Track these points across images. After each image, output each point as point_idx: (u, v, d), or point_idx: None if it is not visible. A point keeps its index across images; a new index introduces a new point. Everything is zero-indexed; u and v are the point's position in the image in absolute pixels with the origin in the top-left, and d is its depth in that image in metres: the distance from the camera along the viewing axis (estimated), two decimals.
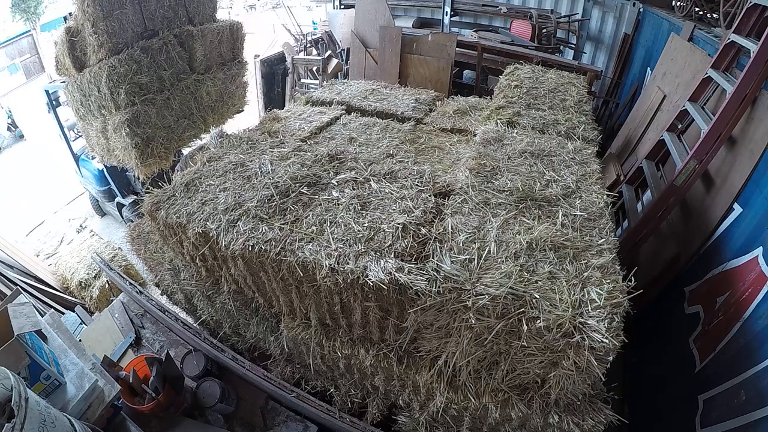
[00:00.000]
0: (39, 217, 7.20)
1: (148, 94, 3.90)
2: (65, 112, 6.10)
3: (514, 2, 7.63)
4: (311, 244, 1.99)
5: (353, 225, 2.06)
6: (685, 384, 2.52)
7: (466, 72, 6.96)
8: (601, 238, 1.94)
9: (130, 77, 3.68)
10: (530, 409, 1.87)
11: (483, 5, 7.65)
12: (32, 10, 16.15)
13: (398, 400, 2.39)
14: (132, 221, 5.04)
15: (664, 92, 4.35)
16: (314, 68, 7.35)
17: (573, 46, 7.17)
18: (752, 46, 2.70)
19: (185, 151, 4.98)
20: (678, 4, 5.22)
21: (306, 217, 2.16)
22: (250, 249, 2.04)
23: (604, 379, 1.66)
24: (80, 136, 6.47)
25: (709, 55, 3.70)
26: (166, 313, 2.86)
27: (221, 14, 4.99)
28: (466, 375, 1.93)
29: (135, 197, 5.95)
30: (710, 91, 3.38)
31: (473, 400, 1.95)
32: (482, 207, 2.13)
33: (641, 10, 6.09)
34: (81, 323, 3.85)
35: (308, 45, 8.25)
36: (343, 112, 3.96)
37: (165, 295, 3.53)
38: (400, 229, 2.01)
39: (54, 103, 5.88)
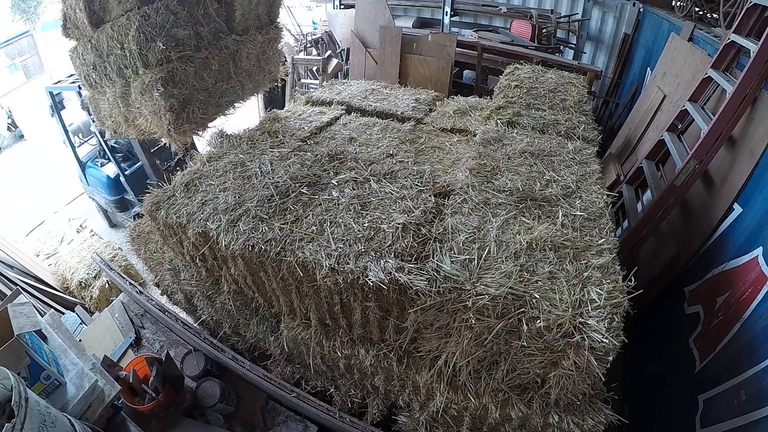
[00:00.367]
0: (39, 217, 7.17)
1: (186, 51, 3.41)
2: (69, 115, 5.91)
3: (514, 2, 7.63)
4: (311, 244, 1.99)
5: (353, 225, 2.06)
6: (685, 384, 2.52)
7: (466, 72, 6.96)
8: (601, 238, 1.94)
9: (167, 29, 3.20)
10: (530, 409, 1.87)
11: (483, 5, 7.66)
12: (32, 10, 16.12)
13: (398, 400, 2.39)
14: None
15: (664, 92, 4.34)
16: (314, 68, 7.35)
17: (573, 46, 7.17)
18: (752, 46, 2.70)
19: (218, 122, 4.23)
20: (678, 4, 5.22)
21: (306, 217, 2.16)
22: (250, 249, 2.04)
23: (604, 379, 1.66)
24: (85, 141, 6.18)
25: (709, 55, 3.70)
26: (166, 313, 2.86)
27: None
28: (466, 375, 1.93)
29: None
30: (710, 91, 3.37)
31: (473, 400, 1.95)
32: (482, 207, 2.13)
33: (641, 10, 6.09)
34: (81, 323, 3.84)
35: (308, 45, 8.27)
36: (343, 112, 3.95)
37: (165, 295, 3.53)
38: (400, 229, 2.01)
39: (58, 105, 5.51)
